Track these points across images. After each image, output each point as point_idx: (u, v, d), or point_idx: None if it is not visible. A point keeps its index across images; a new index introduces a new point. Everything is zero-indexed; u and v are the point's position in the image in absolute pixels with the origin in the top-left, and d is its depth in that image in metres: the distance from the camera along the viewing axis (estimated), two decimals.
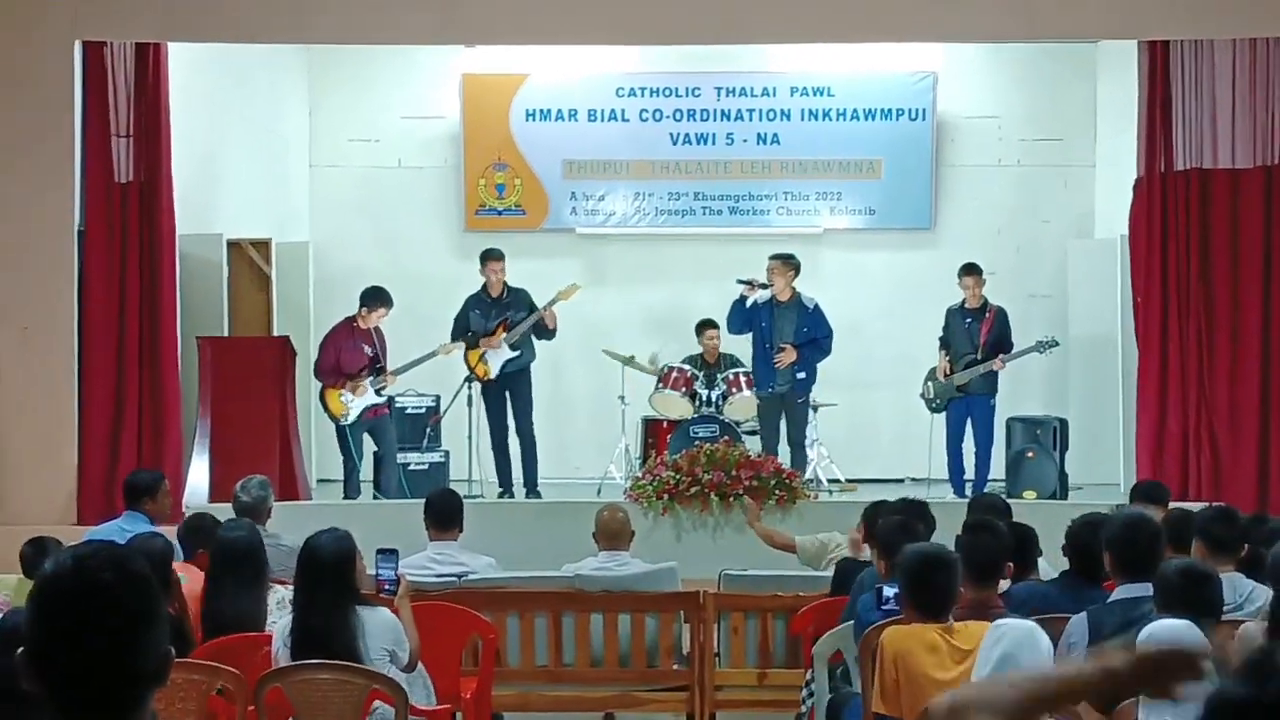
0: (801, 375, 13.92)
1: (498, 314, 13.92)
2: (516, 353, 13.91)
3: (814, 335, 13.94)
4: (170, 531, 8.94)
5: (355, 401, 13.63)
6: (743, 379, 14.09)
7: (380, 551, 7.58)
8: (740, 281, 13.95)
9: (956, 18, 13.48)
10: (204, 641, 7.19)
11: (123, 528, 9.22)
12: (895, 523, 7.61)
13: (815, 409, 14.70)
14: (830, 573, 9.02)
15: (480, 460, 13.99)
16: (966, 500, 12.85)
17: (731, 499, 12.20)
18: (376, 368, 13.70)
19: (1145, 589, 6.27)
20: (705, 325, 14.91)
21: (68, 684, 2.81)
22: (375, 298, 13.79)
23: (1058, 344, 14.27)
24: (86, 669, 2.81)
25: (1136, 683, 3.01)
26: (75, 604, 2.82)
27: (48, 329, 13.24)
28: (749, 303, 13.91)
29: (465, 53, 16.18)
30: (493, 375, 13.92)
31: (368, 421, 13.75)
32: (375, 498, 13.68)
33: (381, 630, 6.74)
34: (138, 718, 2.87)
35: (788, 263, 13.98)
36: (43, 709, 2.84)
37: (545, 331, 13.99)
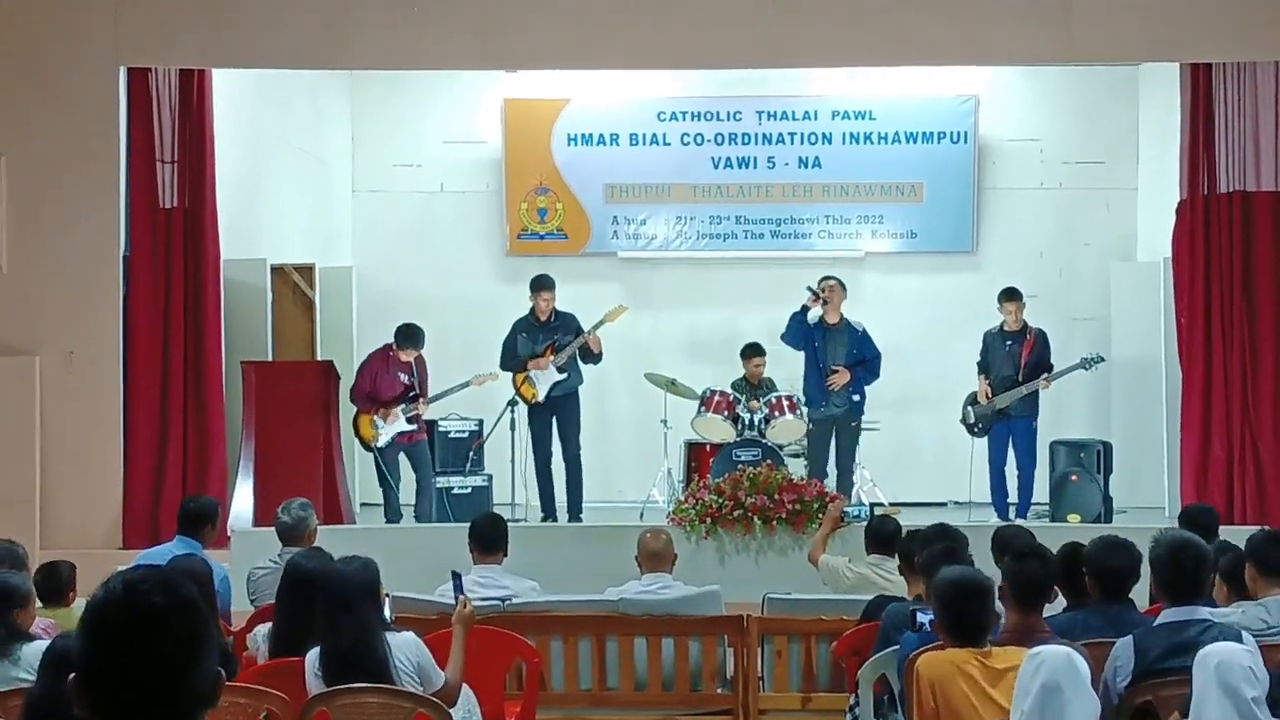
0: (856, 397, 13.94)
1: (545, 338, 13.91)
2: (564, 375, 13.90)
3: (863, 357, 13.93)
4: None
5: (386, 428, 13.62)
6: (785, 402, 14.07)
7: (454, 574, 7.65)
8: (810, 289, 13.89)
9: (997, 41, 13.50)
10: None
11: (175, 552, 9.22)
12: (939, 550, 7.59)
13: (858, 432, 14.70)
14: (854, 595, 9.05)
15: (525, 484, 13.99)
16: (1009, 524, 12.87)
17: (775, 523, 12.18)
18: (411, 396, 13.70)
19: (1191, 612, 6.24)
20: (751, 352, 14.92)
21: (120, 709, 2.82)
22: (406, 338, 13.69)
23: (1103, 359, 14.20)
24: (139, 694, 2.82)
25: None
26: (127, 629, 2.83)
27: (93, 354, 13.32)
28: (810, 315, 13.89)
29: (507, 77, 16.25)
30: (540, 398, 13.91)
31: (402, 446, 13.75)
32: (416, 523, 13.69)
33: (407, 651, 6.74)
34: None
35: (842, 285, 14.00)
36: None
37: (590, 356, 13.96)
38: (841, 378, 13.82)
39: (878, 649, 7.56)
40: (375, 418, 13.62)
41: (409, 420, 13.70)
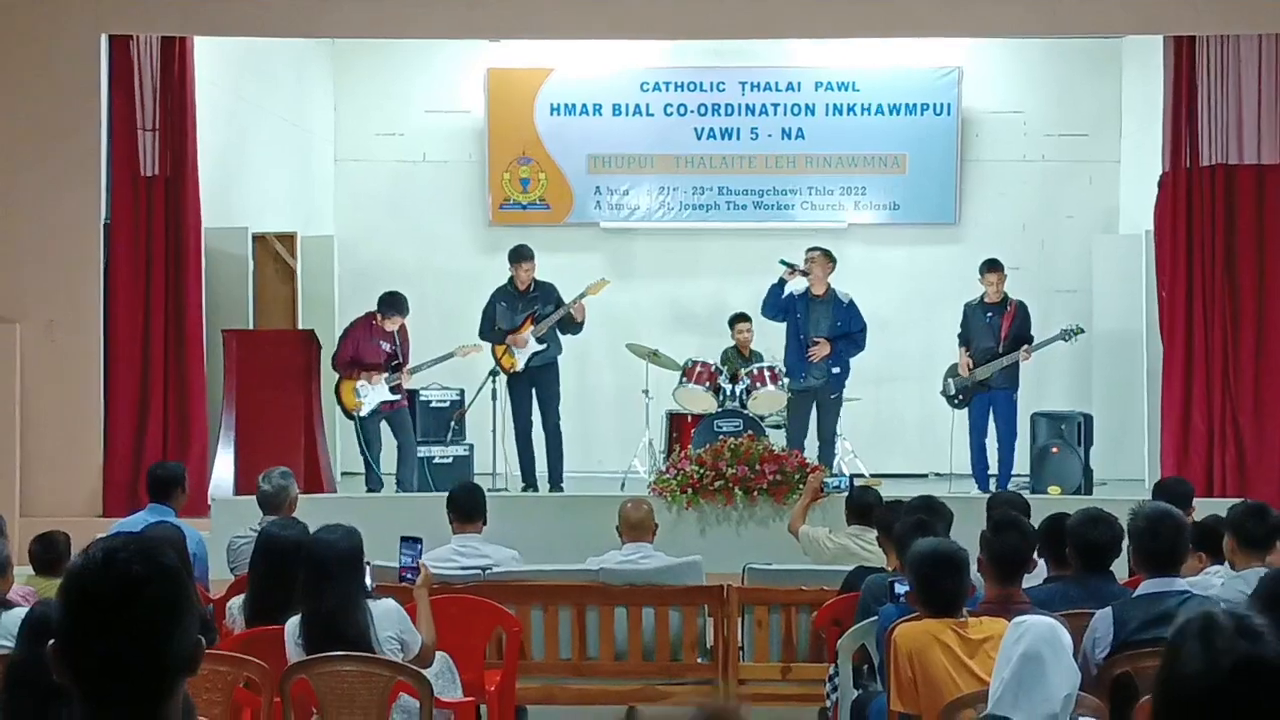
0: (836, 370, 13.89)
1: (524, 308, 13.90)
2: (543, 346, 13.89)
3: (848, 329, 13.90)
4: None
5: (369, 394, 13.62)
6: (767, 374, 14.07)
7: (404, 539, 7.58)
8: (783, 262, 13.90)
9: (980, 13, 13.50)
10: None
11: (148, 520, 9.22)
12: (912, 522, 7.62)
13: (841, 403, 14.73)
14: (834, 566, 9.08)
15: (505, 454, 13.99)
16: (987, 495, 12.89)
17: (756, 494, 12.19)
18: (393, 365, 13.69)
19: (1170, 583, 6.28)
20: (738, 319, 14.95)
21: (100, 675, 2.82)
22: (391, 305, 13.67)
23: (1083, 331, 14.20)
24: (119, 661, 2.82)
25: None
26: (107, 597, 2.83)
27: (73, 322, 13.30)
28: (786, 288, 13.88)
29: (490, 47, 16.22)
30: (519, 368, 13.91)
31: (384, 414, 13.74)
32: (398, 491, 13.70)
33: (387, 619, 6.74)
34: (170, 706, 2.88)
35: (828, 256, 13.93)
36: (71, 700, 2.85)
37: (573, 325, 13.94)
38: (821, 349, 13.80)
39: (857, 620, 7.59)
40: (358, 384, 13.60)
41: (391, 390, 13.69)
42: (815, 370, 13.84)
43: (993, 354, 13.90)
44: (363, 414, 13.61)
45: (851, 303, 13.98)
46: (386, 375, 13.63)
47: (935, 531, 7.25)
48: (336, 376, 13.70)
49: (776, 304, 13.97)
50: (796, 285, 13.92)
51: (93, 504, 13.15)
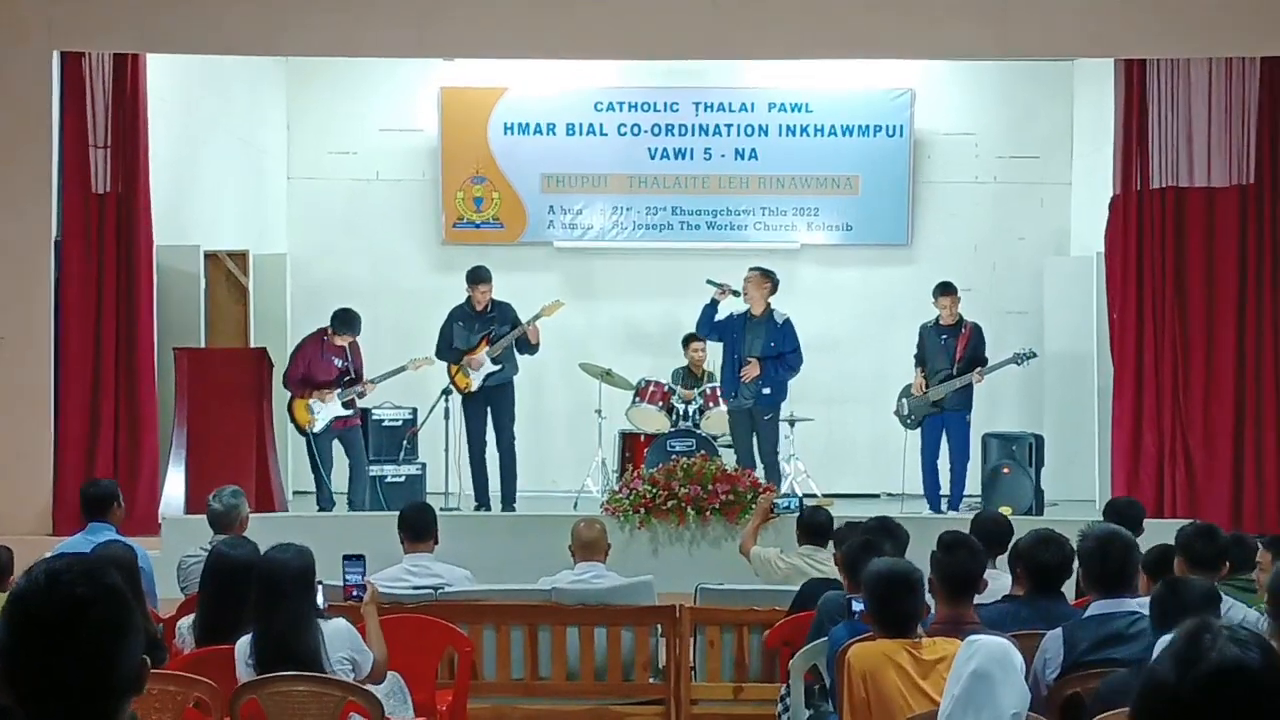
0: (766, 391, 13.76)
1: (480, 328, 13.90)
2: (499, 366, 13.89)
3: (780, 350, 13.82)
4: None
5: (322, 412, 13.62)
6: (719, 393, 14.10)
7: (347, 557, 7.54)
8: (710, 282, 13.89)
9: (932, 35, 13.54)
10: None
11: (90, 539, 9.16)
12: (859, 542, 7.66)
13: (792, 424, 14.73)
14: (786, 586, 9.08)
15: (458, 473, 13.97)
16: (941, 517, 12.95)
17: (708, 513, 12.20)
18: (345, 380, 13.69)
19: (1119, 604, 6.29)
20: (692, 338, 14.95)
21: (44, 697, 2.81)
22: (344, 323, 13.73)
23: (1035, 355, 14.28)
24: (62, 682, 2.81)
25: None
26: (49, 619, 2.82)
27: (24, 339, 13.21)
28: (719, 307, 13.86)
29: (444, 66, 16.22)
30: (474, 387, 13.90)
31: (336, 432, 13.74)
32: (349, 510, 13.67)
33: (338, 639, 6.72)
34: None
35: (765, 276, 13.88)
36: None
37: (528, 346, 13.94)
38: (751, 370, 13.70)
39: (812, 636, 7.59)
40: (311, 401, 13.59)
41: (345, 405, 13.69)
42: (745, 390, 13.75)
43: (947, 375, 13.95)
44: (315, 430, 13.60)
45: (787, 323, 13.86)
46: (339, 391, 13.63)
47: (883, 551, 7.27)
48: (288, 394, 13.68)
49: (709, 323, 13.94)
50: (737, 305, 13.89)
51: (42, 522, 13.05)
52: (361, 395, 13.84)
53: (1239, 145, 13.66)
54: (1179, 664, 2.65)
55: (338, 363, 13.71)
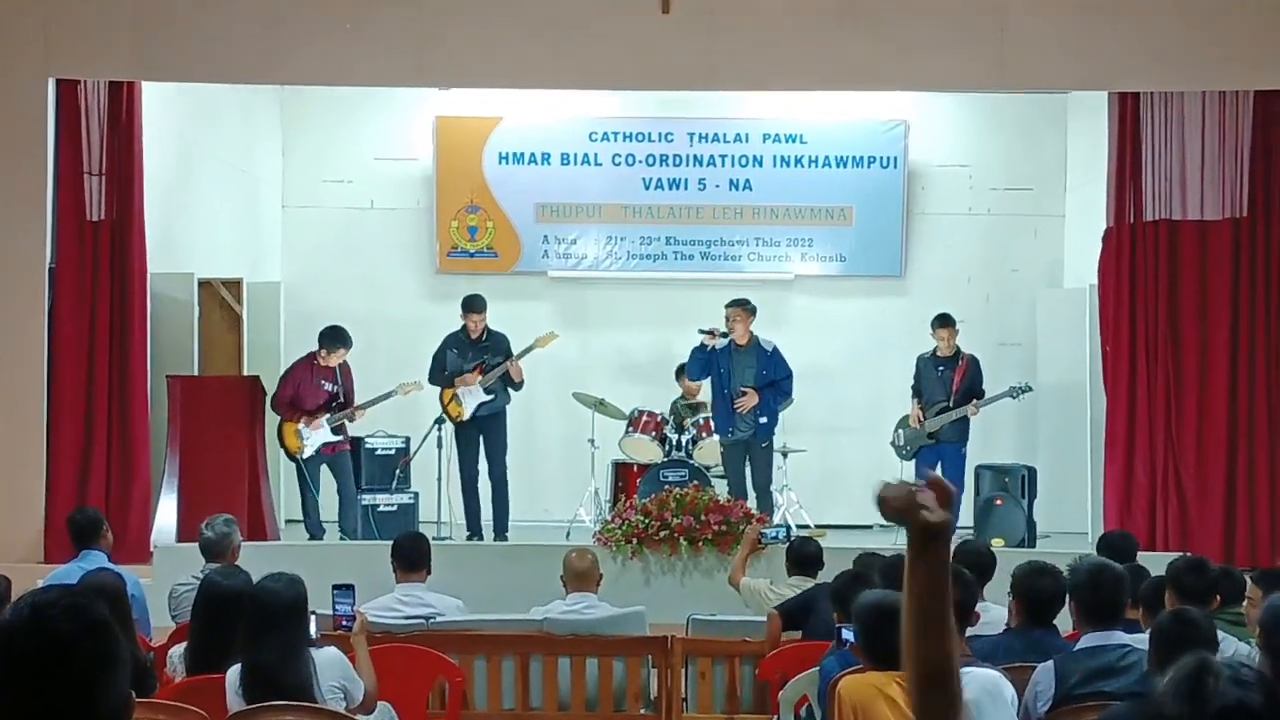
0: (763, 420, 13.81)
1: (474, 356, 13.93)
2: (490, 397, 13.91)
3: (773, 378, 13.87)
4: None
5: (311, 437, 13.62)
6: (713, 423, 14.11)
7: (337, 587, 7.55)
8: (702, 331, 13.93)
9: (927, 67, 13.56)
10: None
11: (81, 567, 9.15)
12: (849, 574, 7.70)
13: (785, 454, 14.73)
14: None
15: (450, 502, 13.96)
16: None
17: (701, 544, 12.19)
18: (335, 404, 13.71)
19: (1109, 637, 6.30)
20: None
21: None
22: (333, 339, 13.78)
23: (1031, 389, 14.30)
24: (47, 717, 2.81)
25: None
26: (34, 654, 2.82)
27: (17, 366, 13.21)
28: (709, 350, 13.88)
29: (439, 95, 16.23)
30: (466, 417, 13.91)
31: (325, 457, 13.75)
32: (341, 538, 13.65)
33: (330, 668, 6.71)
34: None
35: (745, 308, 13.90)
36: None
37: (511, 383, 13.99)
38: (749, 400, 13.74)
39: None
40: (300, 426, 13.60)
41: (334, 430, 13.70)
42: (743, 422, 13.77)
43: (943, 407, 13.96)
44: (305, 456, 13.60)
45: (775, 350, 13.93)
46: (329, 416, 13.64)
47: (873, 583, 7.28)
48: (277, 419, 13.69)
49: (699, 365, 13.99)
50: (719, 344, 13.89)
51: (34, 550, 13.03)
52: (351, 420, 13.84)
53: (1232, 179, 13.70)
54: (1183, 702, 2.65)
55: (328, 387, 13.72)
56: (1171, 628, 5.95)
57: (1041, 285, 16.55)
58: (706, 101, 16.39)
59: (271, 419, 13.75)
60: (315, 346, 13.88)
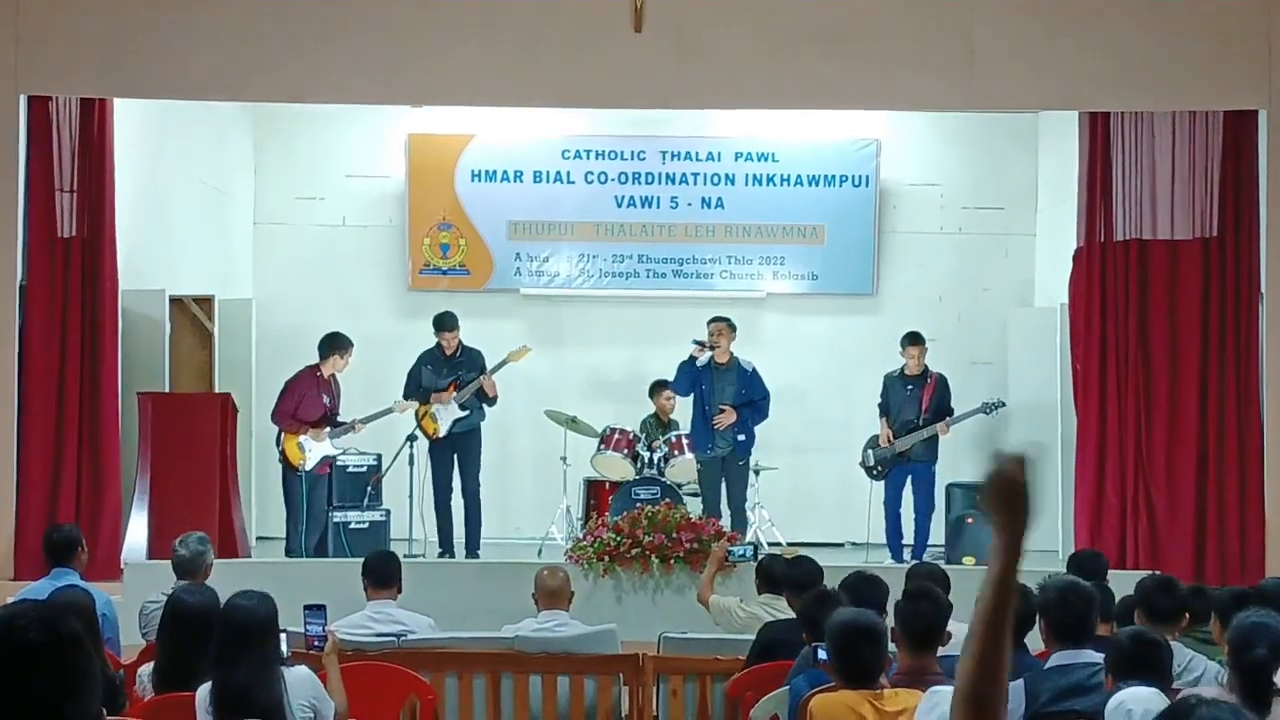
0: (741, 437, 13.97)
1: (449, 373, 13.97)
2: (465, 413, 13.93)
3: (751, 397, 13.98)
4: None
5: (313, 450, 13.65)
6: (685, 441, 14.12)
7: (308, 607, 7.53)
8: (696, 342, 13.99)
9: (899, 86, 13.60)
10: None
11: (52, 584, 9.12)
12: (814, 595, 7.71)
13: (757, 472, 14.75)
14: (746, 635, 9.08)
15: (423, 519, 13.95)
16: (905, 566, 12.92)
17: (673, 561, 12.20)
18: (329, 417, 13.74)
19: (1079, 655, 6.32)
20: (661, 385, 14.98)
21: None
22: (336, 343, 13.88)
23: (1004, 405, 14.34)
24: None
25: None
26: (4, 666, 2.81)
27: None
28: (699, 364, 13.94)
29: (411, 113, 16.25)
30: (443, 434, 13.92)
31: (315, 475, 13.78)
32: (306, 554, 13.63)
33: (300, 687, 6.69)
34: None
35: (730, 326, 14.06)
36: None
37: (486, 399, 14.02)
38: (728, 417, 13.87)
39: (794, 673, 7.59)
40: (303, 439, 13.61)
41: (334, 444, 13.79)
42: (721, 439, 13.90)
43: (913, 426, 14.00)
44: (307, 468, 13.62)
45: (754, 371, 14.10)
46: (330, 431, 13.69)
47: (839, 602, 7.29)
48: (277, 431, 13.70)
49: (688, 380, 14.10)
50: (705, 358, 13.97)
51: (4, 567, 12.99)
52: (354, 432, 13.90)
53: (1202, 198, 13.74)
54: None
55: (326, 399, 13.80)
56: (1128, 647, 5.98)
57: (1012, 304, 16.60)
58: (679, 120, 16.42)
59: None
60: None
